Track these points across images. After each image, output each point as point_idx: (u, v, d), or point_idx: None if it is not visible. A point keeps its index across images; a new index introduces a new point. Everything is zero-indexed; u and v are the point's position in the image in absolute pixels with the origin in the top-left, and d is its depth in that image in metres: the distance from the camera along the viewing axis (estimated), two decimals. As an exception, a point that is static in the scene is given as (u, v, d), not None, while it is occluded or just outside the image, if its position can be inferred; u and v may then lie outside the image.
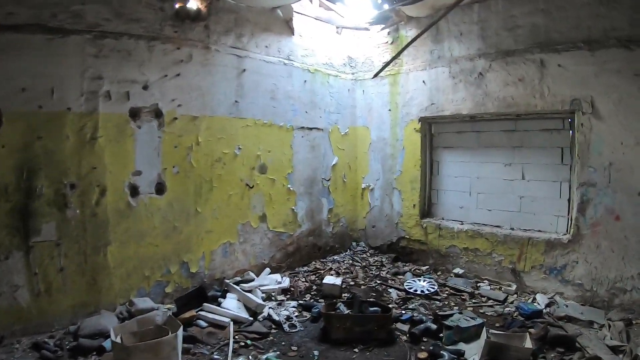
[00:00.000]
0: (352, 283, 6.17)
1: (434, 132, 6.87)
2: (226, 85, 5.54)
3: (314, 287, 5.94)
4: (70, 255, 4.33)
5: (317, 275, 6.46)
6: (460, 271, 6.25)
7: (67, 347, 3.95)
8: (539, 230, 5.75)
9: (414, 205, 6.84)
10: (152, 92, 4.81)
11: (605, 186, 5.04)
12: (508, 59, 5.73)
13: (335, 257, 7.20)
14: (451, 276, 6.24)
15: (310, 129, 6.89)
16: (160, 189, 4.96)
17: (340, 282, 5.77)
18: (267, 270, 6.13)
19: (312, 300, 5.54)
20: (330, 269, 6.73)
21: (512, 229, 5.95)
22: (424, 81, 6.61)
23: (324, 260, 7.09)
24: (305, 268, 6.77)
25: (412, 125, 6.82)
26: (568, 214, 5.52)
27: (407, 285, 5.89)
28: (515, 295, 5.58)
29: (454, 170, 6.65)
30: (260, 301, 5.08)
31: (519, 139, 5.95)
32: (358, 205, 7.66)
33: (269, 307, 5.00)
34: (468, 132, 6.45)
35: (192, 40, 5.15)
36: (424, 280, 5.99)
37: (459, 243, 6.33)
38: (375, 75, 6.85)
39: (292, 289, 5.85)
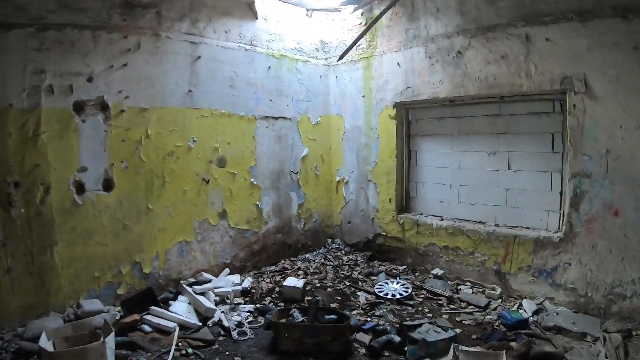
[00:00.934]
0: (318, 285, 5.35)
1: (412, 118, 5.94)
2: (178, 74, 4.89)
3: (277, 289, 5.18)
4: (17, 256, 3.98)
5: (283, 275, 5.67)
6: (440, 272, 5.36)
7: (12, 350, 3.62)
8: (527, 227, 4.85)
9: (390, 199, 5.94)
10: (97, 84, 4.33)
11: (602, 177, 4.13)
12: (489, 34, 4.80)
13: (307, 256, 6.33)
14: (430, 277, 5.36)
15: (276, 118, 6.03)
16: (108, 185, 4.45)
17: (302, 285, 4.95)
18: (227, 270, 5.46)
19: (272, 303, 4.83)
20: (299, 268, 5.89)
21: (496, 225, 5.05)
22: (398, 63, 5.68)
23: (295, 259, 6.24)
24: (273, 268, 5.97)
25: (386, 112, 5.90)
26: (560, 209, 4.62)
27: (377, 289, 5.04)
28: (500, 300, 4.71)
29: (433, 161, 5.74)
30: (211, 305, 4.48)
31: (504, 125, 5.02)
32: (333, 199, 6.78)
33: (221, 312, 4.42)
34: (448, 118, 5.52)
35: (141, 28, 4.59)
36: (397, 283, 5.12)
37: (439, 241, 5.44)
38: (341, 58, 5.91)
39: (253, 290, 5.12)
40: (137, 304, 4.29)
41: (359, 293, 5.11)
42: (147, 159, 4.68)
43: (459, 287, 5.09)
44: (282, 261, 6.14)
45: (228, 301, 4.76)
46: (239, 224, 5.70)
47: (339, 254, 6.36)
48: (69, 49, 4.16)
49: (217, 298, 4.74)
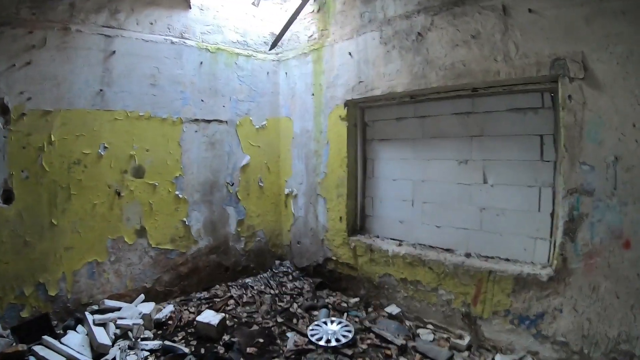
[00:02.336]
0: (245, 320, 3.97)
1: (368, 120, 4.52)
2: (89, 71, 3.89)
3: (196, 323, 3.80)
4: None
5: (211, 304, 4.30)
6: (396, 310, 3.89)
7: None
8: (507, 259, 3.38)
9: (341, 217, 4.49)
10: None
11: (608, 194, 2.71)
12: (457, 9, 3.41)
13: (247, 281, 4.87)
14: (383, 316, 3.90)
15: (208, 121, 4.67)
16: (8, 197, 3.62)
17: (218, 321, 3.67)
18: (141, 297, 4.17)
19: (183, 341, 3.63)
20: (230, 297, 4.46)
21: (467, 255, 3.57)
22: (350, 53, 4.28)
23: (232, 284, 4.79)
24: (205, 294, 4.56)
25: (337, 112, 4.48)
26: (550, 237, 3.17)
27: (311, 331, 3.63)
28: (467, 353, 3.28)
29: (392, 171, 4.29)
30: (106, 340, 3.41)
31: (478, 125, 3.59)
32: (282, 215, 5.33)
33: (119, 348, 3.37)
34: (409, 119, 4.10)
35: (50, 22, 3.70)
36: (338, 323, 3.70)
37: (395, 272, 3.97)
38: (271, 48, 4.62)
39: (170, 322, 3.92)
40: (30, 332, 3.41)
41: (289, 334, 3.71)
42: (50, 167, 3.72)
43: (418, 332, 3.63)
44: (217, 286, 4.73)
45: (132, 335, 3.54)
46: (162, 244, 4.37)
47: (285, 279, 4.90)
48: (-33, 49, 3.36)
49: (117, 331, 3.58)
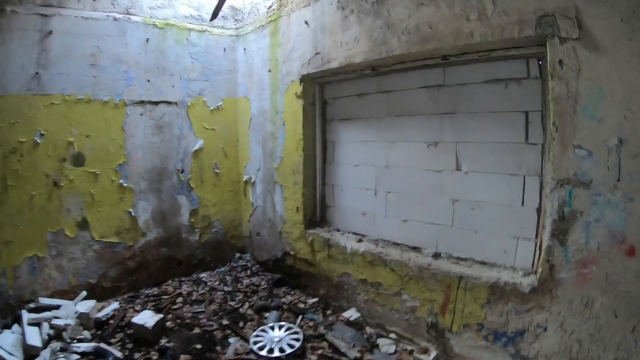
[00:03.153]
0: (188, 321, 3.30)
1: (327, 97, 3.73)
2: (24, 53, 3.33)
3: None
4: None
5: (157, 301, 3.66)
6: (355, 315, 3.20)
7: None
8: (482, 262, 2.65)
9: (297, 207, 3.76)
10: None
11: (609, 187, 1.98)
12: (425, -43, 2.60)
13: (202, 276, 4.19)
14: (342, 321, 3.21)
15: (156, 103, 3.94)
16: None
17: (154, 322, 3.05)
18: (83, 293, 3.58)
19: (120, 343, 3.04)
20: (179, 294, 3.79)
21: (436, 255, 2.85)
22: (306, 22, 3.46)
23: (186, 279, 4.11)
24: (155, 290, 3.90)
25: (292, 89, 3.69)
26: (536, 238, 2.43)
27: (254, 338, 2.97)
28: (434, 373, 2.58)
29: (354, 156, 3.53)
30: (37, 341, 2.90)
31: (451, 100, 2.80)
32: (242, 204, 4.59)
33: (51, 350, 2.83)
34: (372, 95, 3.31)
35: None
36: (286, 329, 3.04)
37: (355, 271, 3.26)
38: (212, 19, 3.77)
39: (112, 322, 3.32)
40: None
41: (231, 339, 3.04)
42: None
43: (378, 342, 2.95)
44: (170, 281, 4.06)
45: (66, 336, 3.01)
46: (106, 236, 3.74)
47: (242, 274, 4.22)
48: None
49: (52, 331, 3.05)
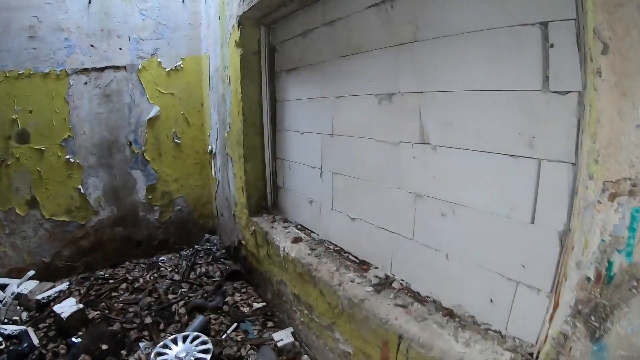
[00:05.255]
0: (113, 314, 2.48)
1: (276, 43, 2.41)
2: None
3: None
4: None
5: (100, 287, 2.85)
6: (287, 340, 2.01)
7: None
8: (449, 311, 1.27)
9: (242, 188, 2.59)
10: None
11: None
12: None
13: (162, 259, 3.26)
14: (269, 343, 2.06)
15: (101, 69, 3.00)
16: None
17: (70, 313, 2.32)
18: (31, 272, 2.84)
19: (45, 330, 2.37)
20: (125, 278, 2.94)
21: (381, 283, 1.50)
22: None
23: (145, 261, 3.24)
24: (110, 272, 3.09)
25: (234, 37, 2.42)
26: (551, 290, 0.99)
27: (160, 348, 1.99)
28: None
29: (300, 120, 2.20)
30: None
31: (410, 19, 1.33)
32: (210, 179, 3.54)
33: None
34: (317, 30, 1.91)
35: None
36: (197, 343, 2.02)
37: (289, 282, 2.04)
38: None
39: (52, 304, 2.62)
40: None
41: (142, 344, 2.15)
42: None
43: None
44: (128, 263, 3.21)
45: (2, 317, 2.46)
46: (56, 215, 3.01)
47: (202, 260, 3.22)
48: None
49: None
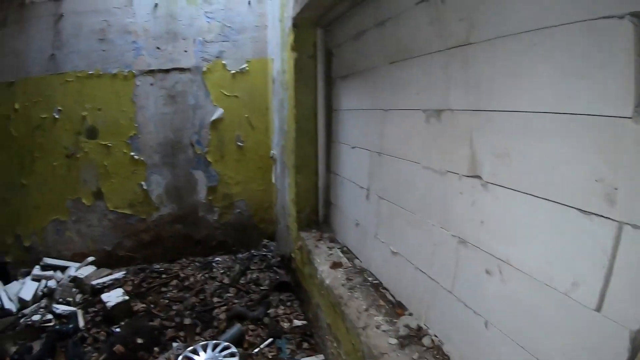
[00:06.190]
0: (157, 310, 2.70)
1: (333, 45, 2.28)
2: (41, 38, 3.18)
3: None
4: None
5: (152, 280, 3.15)
6: (317, 375, 1.93)
7: None
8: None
9: (293, 199, 2.54)
10: None
11: None
12: None
13: (217, 259, 3.46)
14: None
15: (166, 71, 3.32)
16: None
17: (115, 303, 2.59)
18: (90, 258, 3.32)
19: (93, 314, 2.70)
20: (177, 275, 3.19)
21: (407, 336, 1.28)
22: None
23: (201, 259, 3.47)
24: (167, 266, 3.41)
25: (289, 40, 2.37)
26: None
27: (185, 353, 2.11)
28: None
29: (350, 132, 2.05)
30: (27, 295, 2.85)
31: (463, 15, 1.08)
32: (272, 184, 3.57)
33: (37, 305, 2.80)
34: (369, 32, 1.73)
35: (10, 1, 3.13)
36: (226, 355, 2.08)
37: (325, 309, 1.94)
38: None
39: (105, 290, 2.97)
40: None
41: (176, 344, 2.30)
42: (17, 133, 3.25)
43: None
44: (185, 259, 3.49)
45: (57, 296, 2.88)
46: (120, 207, 3.43)
47: (255, 266, 3.30)
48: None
49: (45, 289, 2.96)
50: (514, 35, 0.95)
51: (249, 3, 3.27)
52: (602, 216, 0.74)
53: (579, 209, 0.79)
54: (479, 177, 1.11)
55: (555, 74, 0.85)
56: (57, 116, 3.21)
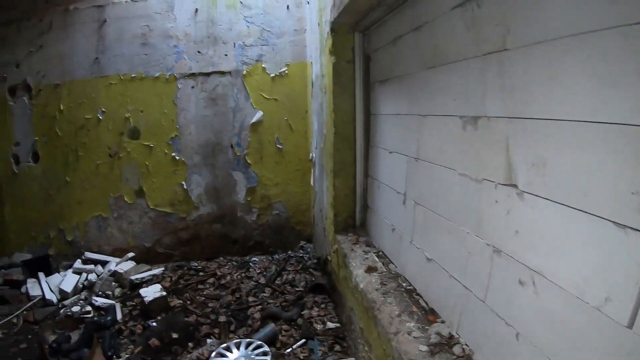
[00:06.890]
0: (193, 306, 2.88)
1: (370, 50, 2.32)
2: (85, 42, 3.55)
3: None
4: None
5: (190, 277, 3.35)
6: (350, 378, 1.98)
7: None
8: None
9: (331, 203, 2.61)
10: (22, 69, 3.64)
11: None
12: None
13: (254, 259, 3.62)
14: (336, 378, 2.06)
15: (207, 74, 3.55)
16: (35, 158, 3.81)
17: (152, 298, 2.80)
18: (130, 254, 3.61)
19: (131, 308, 2.95)
20: (214, 274, 3.38)
21: (439, 344, 1.30)
22: None
23: (238, 259, 3.65)
24: (204, 264, 3.62)
25: (328, 45, 2.44)
26: None
27: (221, 349, 2.26)
28: None
29: (388, 137, 2.09)
30: (68, 287, 3.17)
31: (499, 20, 1.08)
32: (310, 187, 3.67)
33: (77, 297, 3.14)
34: (405, 37, 1.76)
35: (55, 7, 3.51)
36: (258, 353, 2.20)
37: (358, 312, 1.98)
38: None
39: (144, 285, 3.22)
40: (33, 267, 3.45)
41: (210, 340, 2.46)
42: (62, 132, 3.64)
43: None
44: (222, 258, 3.69)
45: (97, 290, 3.18)
46: (160, 206, 3.73)
47: (291, 267, 3.41)
48: (1, 44, 3.57)
49: (86, 282, 3.28)
50: (548, 41, 0.95)
51: (288, 7, 3.43)
52: (638, 230, 0.74)
53: (614, 222, 0.79)
54: (514, 185, 1.11)
55: (591, 81, 0.85)
56: (100, 117, 3.57)
